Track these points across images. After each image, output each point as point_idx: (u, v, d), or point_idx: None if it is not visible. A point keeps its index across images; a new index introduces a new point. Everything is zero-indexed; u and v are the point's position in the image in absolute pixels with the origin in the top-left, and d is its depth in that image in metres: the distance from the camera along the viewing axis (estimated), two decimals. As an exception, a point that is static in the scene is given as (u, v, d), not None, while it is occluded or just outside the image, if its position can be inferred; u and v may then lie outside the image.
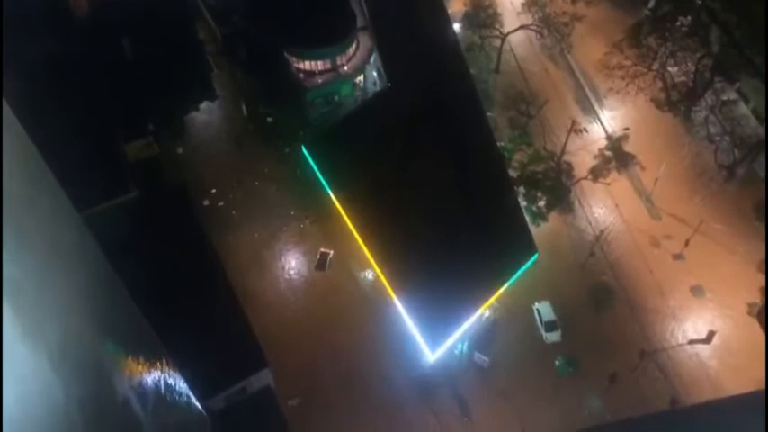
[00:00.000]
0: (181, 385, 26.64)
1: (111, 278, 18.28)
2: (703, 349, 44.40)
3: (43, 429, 10.05)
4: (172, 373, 24.92)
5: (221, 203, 50.58)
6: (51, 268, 11.32)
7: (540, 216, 48.93)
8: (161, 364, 23.86)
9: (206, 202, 50.39)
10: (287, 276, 48.19)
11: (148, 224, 42.44)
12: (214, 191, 51.02)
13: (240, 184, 51.28)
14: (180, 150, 52.72)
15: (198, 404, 29.64)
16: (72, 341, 12.03)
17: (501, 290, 43.80)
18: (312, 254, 48.81)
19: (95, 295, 15.71)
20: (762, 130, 49.87)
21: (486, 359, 44.51)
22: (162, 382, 23.70)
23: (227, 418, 39.12)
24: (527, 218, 47.22)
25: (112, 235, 41.36)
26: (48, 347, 10.32)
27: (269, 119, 53.52)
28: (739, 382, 43.26)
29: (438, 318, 41.25)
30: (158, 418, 21.13)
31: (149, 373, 21.78)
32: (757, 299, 44.84)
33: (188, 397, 27.83)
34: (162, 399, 23.12)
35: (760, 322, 44.31)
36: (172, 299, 39.75)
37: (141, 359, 20.94)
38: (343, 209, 44.11)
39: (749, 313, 44.90)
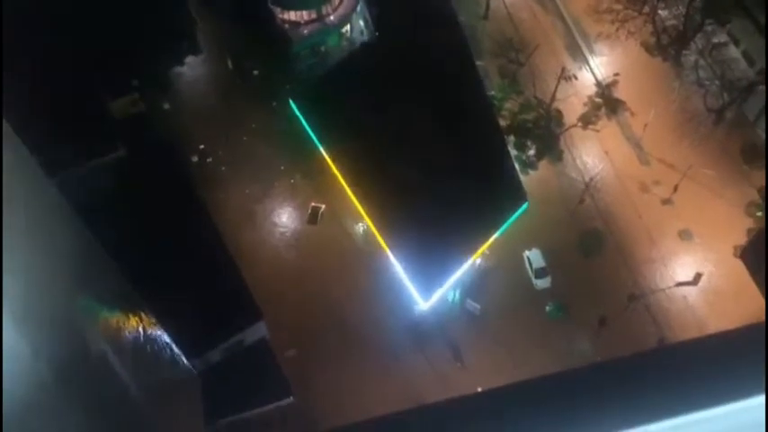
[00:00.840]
0: (165, 342, 26.84)
1: (81, 235, 18.20)
2: (690, 291, 45.30)
3: (10, 387, 10.05)
4: (155, 330, 25.09)
5: (210, 159, 50.27)
6: (9, 226, 11.15)
7: (529, 165, 48.99)
8: (143, 322, 23.99)
9: (195, 159, 50.06)
10: (279, 231, 48.38)
11: (137, 181, 42.25)
12: (202, 147, 50.61)
13: (228, 139, 50.85)
14: (166, 106, 52.03)
15: (185, 361, 29.86)
16: (36, 298, 12.02)
17: (492, 238, 44.27)
18: (303, 208, 48.88)
19: (63, 253, 15.65)
20: (751, 73, 49.62)
21: (478, 306, 45.28)
22: (143, 338, 23.87)
23: (224, 371, 39.90)
24: (517, 167, 47.30)
25: (101, 193, 41.38)
26: (10, 305, 10.30)
27: (255, 72, 52.73)
28: (725, 323, 44.26)
29: (430, 267, 41.77)
30: (141, 375, 21.32)
31: (129, 330, 21.93)
32: (743, 241, 45.49)
33: (173, 353, 28.04)
34: (144, 356, 23.29)
35: (745, 264, 45.06)
36: (164, 255, 39.94)
37: (120, 316, 21.01)
38: (333, 162, 44.01)
39: (735, 255, 45.62)
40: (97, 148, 41.68)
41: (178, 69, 52.75)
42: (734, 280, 45.49)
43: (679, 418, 4.21)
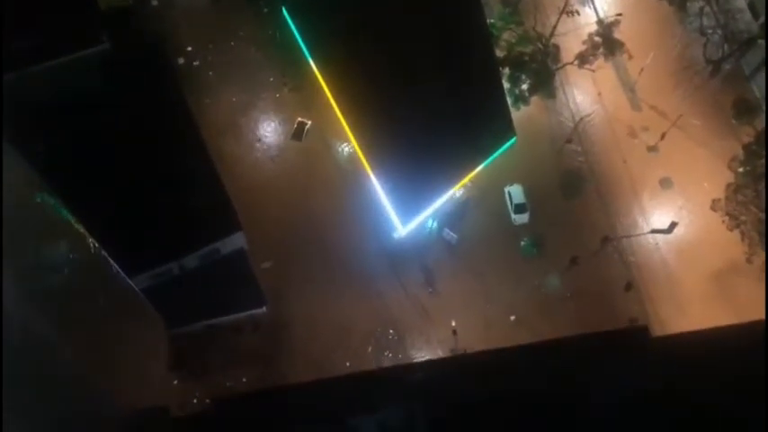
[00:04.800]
0: (105, 258, 26.62)
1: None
2: (664, 239, 46.25)
3: None
4: (92, 247, 24.80)
5: (197, 63, 48.77)
6: None
7: (522, 99, 48.38)
8: (75, 235, 23.59)
9: (181, 60, 48.50)
10: (263, 144, 47.78)
11: (121, 78, 41.05)
12: (190, 49, 48.98)
13: (215, 44, 49.19)
14: (154, 2, 49.85)
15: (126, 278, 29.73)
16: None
17: (476, 170, 44.28)
18: (289, 122, 48.15)
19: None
20: (755, 26, 48.83)
21: (455, 236, 45.87)
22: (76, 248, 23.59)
23: (201, 277, 40.41)
24: (509, 100, 46.74)
25: (84, 87, 40.18)
26: None
27: (249, -26, 50.46)
28: (693, 273, 45.66)
29: (411, 193, 41.84)
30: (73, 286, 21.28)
31: (56, 242, 21.72)
32: (721, 195, 46.18)
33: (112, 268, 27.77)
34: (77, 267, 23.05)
35: (721, 218, 45.93)
36: (145, 156, 39.44)
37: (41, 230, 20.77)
38: (323, 78, 42.94)
39: (712, 208, 46.41)
40: (80, 39, 39.97)
41: (169, -36, 50.25)
42: (706, 232, 46.50)
43: None
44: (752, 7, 49.54)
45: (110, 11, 45.27)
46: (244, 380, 41.31)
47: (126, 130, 39.53)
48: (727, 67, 50.51)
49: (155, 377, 32.98)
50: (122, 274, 28.90)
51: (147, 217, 38.05)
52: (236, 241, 41.13)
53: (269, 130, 48.16)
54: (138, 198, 38.22)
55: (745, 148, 46.53)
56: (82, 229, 23.63)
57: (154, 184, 38.61)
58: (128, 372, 26.86)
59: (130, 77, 41.16)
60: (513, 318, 44.41)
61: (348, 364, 42.38)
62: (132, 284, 30.92)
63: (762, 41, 47.91)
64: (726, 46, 49.89)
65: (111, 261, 27.27)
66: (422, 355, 43.57)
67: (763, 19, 47.99)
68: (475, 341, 42.52)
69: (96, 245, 24.79)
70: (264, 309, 42.06)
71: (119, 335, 26.58)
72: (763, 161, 45.07)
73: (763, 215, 43.54)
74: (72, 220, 22.73)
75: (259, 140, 47.80)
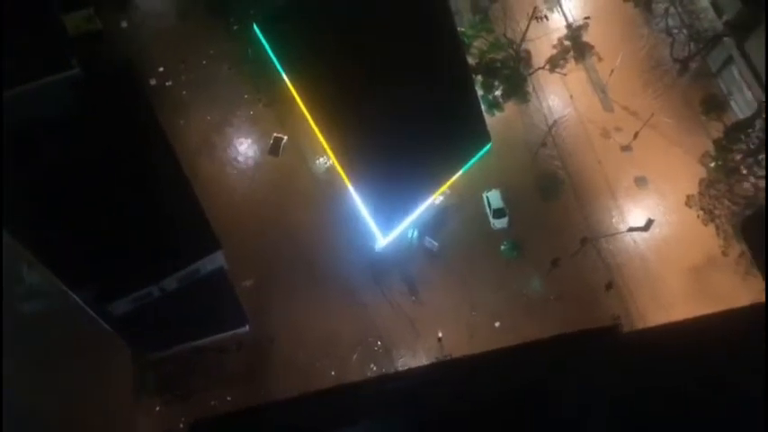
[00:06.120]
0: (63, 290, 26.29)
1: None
2: (641, 237, 46.76)
3: None
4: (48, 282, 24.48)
5: (169, 83, 48.56)
6: None
7: (496, 105, 48.86)
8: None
9: (153, 81, 48.27)
10: (240, 161, 47.61)
11: (92, 102, 40.77)
12: (162, 69, 48.77)
13: (186, 63, 49.05)
14: (124, 24, 49.61)
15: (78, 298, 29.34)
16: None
17: (454, 178, 44.51)
18: (265, 138, 48.05)
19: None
20: (718, 24, 49.79)
21: (436, 243, 45.97)
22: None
23: (181, 299, 40.03)
24: (483, 106, 47.13)
25: (54, 113, 39.79)
26: None
27: (218, -8, 50.48)
28: (672, 268, 46.19)
29: (390, 203, 41.91)
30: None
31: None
32: (695, 190, 46.85)
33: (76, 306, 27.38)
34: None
35: (696, 213, 46.58)
36: (119, 180, 39.14)
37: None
38: (297, 92, 42.93)
39: (686, 204, 47.06)
40: (49, 65, 39.66)
41: (136, -15, 50.14)
42: (682, 228, 47.11)
43: None
44: (715, 6, 50.54)
45: (78, 35, 45.08)
46: (229, 398, 40.89)
47: (99, 153, 39.20)
48: (694, 65, 51.41)
49: (121, 405, 32.47)
50: (81, 304, 28.46)
51: (124, 241, 37.71)
52: (216, 261, 40.84)
53: (245, 147, 48.03)
54: (112, 223, 37.86)
55: (716, 143, 47.36)
56: (41, 267, 23.32)
57: (129, 208, 38.29)
58: (89, 401, 26.39)
59: (101, 101, 40.90)
60: (497, 324, 44.53)
61: (333, 373, 42.22)
62: (93, 314, 30.35)
63: (726, 39, 48.88)
64: (692, 45, 50.85)
65: (70, 293, 26.86)
66: (408, 364, 43.47)
67: (726, 16, 48.97)
68: (460, 348, 42.54)
69: (54, 279, 24.47)
70: (247, 327, 41.75)
71: (78, 366, 26.13)
72: (734, 155, 45.93)
73: (736, 208, 44.28)
74: (29, 255, 22.45)
75: (235, 158, 47.62)
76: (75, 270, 32.00)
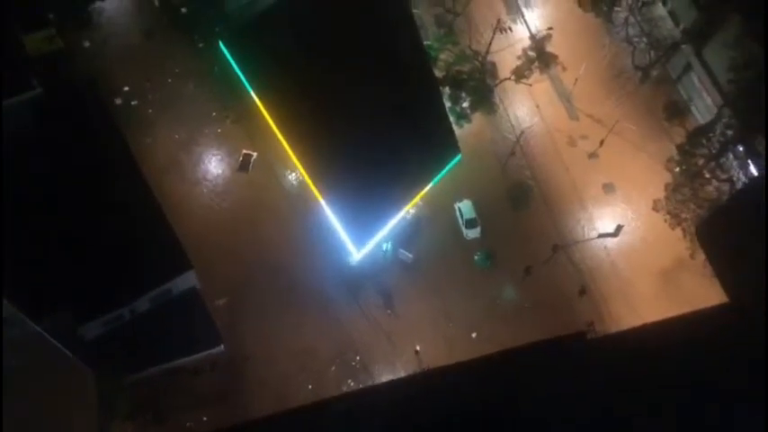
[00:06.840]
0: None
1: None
2: (611, 242, 47.45)
3: None
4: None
5: (135, 102, 47.98)
6: None
7: (464, 117, 49.34)
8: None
9: (118, 101, 47.63)
10: (209, 178, 47.13)
11: (55, 124, 40.05)
12: (126, 88, 48.17)
13: (152, 82, 48.54)
14: (87, 44, 48.94)
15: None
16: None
17: (425, 190, 44.72)
18: (234, 155, 47.70)
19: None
20: (677, 32, 51.14)
21: (410, 255, 46.00)
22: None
23: (153, 320, 39.30)
24: (451, 118, 47.53)
25: (16, 135, 38.95)
26: None
27: (183, 9, 50.13)
28: (642, 272, 46.92)
29: (363, 216, 41.91)
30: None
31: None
32: (661, 195, 47.77)
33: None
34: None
35: (663, 217, 47.43)
36: (85, 201, 38.44)
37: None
38: (265, 108, 42.83)
39: (654, 208, 47.93)
40: (9, 86, 38.85)
41: (99, 4, 49.49)
42: (650, 232, 47.95)
43: None
44: (672, 14, 51.95)
45: (41, 56, 44.30)
46: (205, 419, 40.16)
47: (64, 175, 38.45)
48: (654, 72, 52.70)
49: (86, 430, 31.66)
50: (39, 330, 27.71)
51: (92, 263, 36.95)
52: (188, 280, 40.23)
53: (214, 165, 47.59)
54: (80, 245, 37.09)
55: (679, 148, 48.41)
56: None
57: (96, 230, 37.58)
58: (52, 428, 25.68)
59: (64, 121, 40.19)
60: (474, 335, 44.62)
61: (310, 387, 41.77)
62: (53, 340, 29.52)
63: (684, 46, 50.21)
64: (652, 53, 52.13)
65: (28, 320, 26.16)
66: (385, 377, 43.24)
67: (684, 25, 50.32)
68: (438, 360, 42.46)
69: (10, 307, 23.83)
70: (222, 347, 41.14)
71: (37, 393, 25.42)
72: (697, 160, 46.98)
73: (701, 211, 45.19)
74: None
75: (204, 176, 47.14)
76: (40, 295, 31.22)
